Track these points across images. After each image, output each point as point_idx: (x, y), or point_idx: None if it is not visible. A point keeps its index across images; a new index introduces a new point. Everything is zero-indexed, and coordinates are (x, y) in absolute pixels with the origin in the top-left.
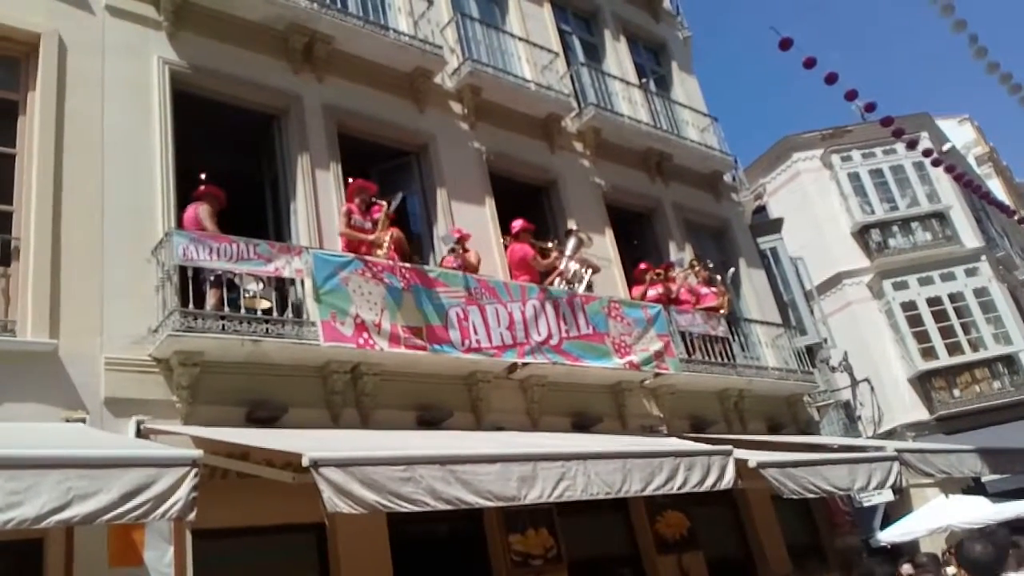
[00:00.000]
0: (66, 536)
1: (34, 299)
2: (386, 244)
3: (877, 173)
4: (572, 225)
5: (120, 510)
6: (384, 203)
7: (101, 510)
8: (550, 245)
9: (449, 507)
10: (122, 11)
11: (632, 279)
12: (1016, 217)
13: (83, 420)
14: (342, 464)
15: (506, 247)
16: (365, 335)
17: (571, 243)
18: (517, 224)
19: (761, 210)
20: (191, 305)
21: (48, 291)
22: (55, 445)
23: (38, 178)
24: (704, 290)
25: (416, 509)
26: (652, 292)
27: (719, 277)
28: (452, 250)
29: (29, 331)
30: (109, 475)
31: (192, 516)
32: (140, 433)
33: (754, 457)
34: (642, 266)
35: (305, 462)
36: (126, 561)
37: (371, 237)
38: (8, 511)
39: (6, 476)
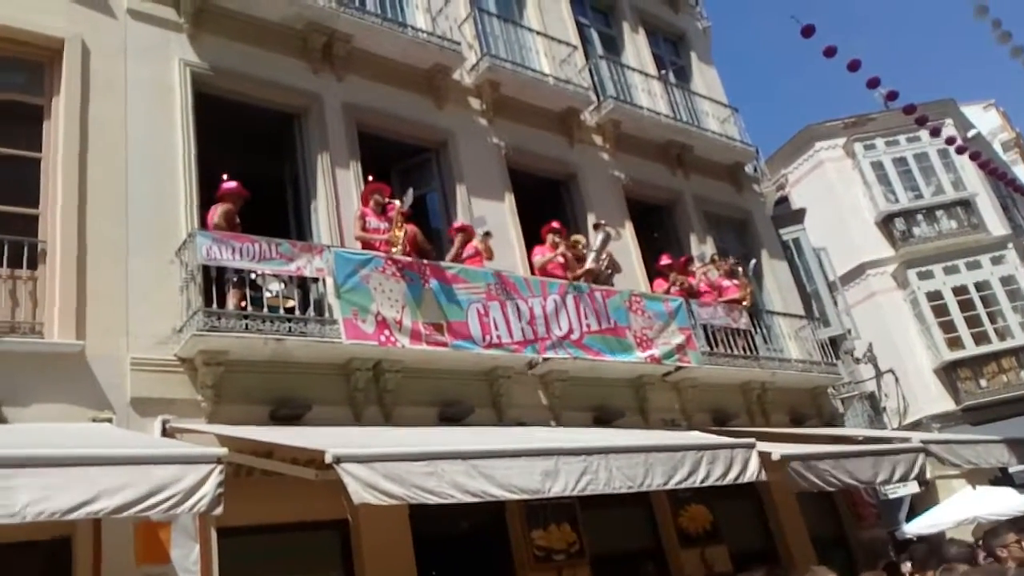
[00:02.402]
0: (94, 535)
1: (61, 301)
2: (400, 241)
3: (901, 161)
4: (593, 219)
5: (147, 503)
6: (398, 202)
7: (129, 503)
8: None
9: (475, 499)
10: (143, 14)
11: (653, 272)
12: None
13: (110, 420)
14: (364, 460)
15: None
16: (387, 332)
17: (599, 238)
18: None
19: (783, 201)
20: (215, 305)
21: (74, 293)
22: (83, 444)
23: (63, 182)
24: (726, 283)
25: (441, 501)
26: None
27: (741, 269)
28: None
29: (56, 333)
30: (136, 472)
31: (218, 512)
32: (166, 432)
33: (777, 450)
34: (664, 259)
35: (328, 459)
36: (153, 559)
37: (385, 236)
38: (39, 504)
39: (36, 474)
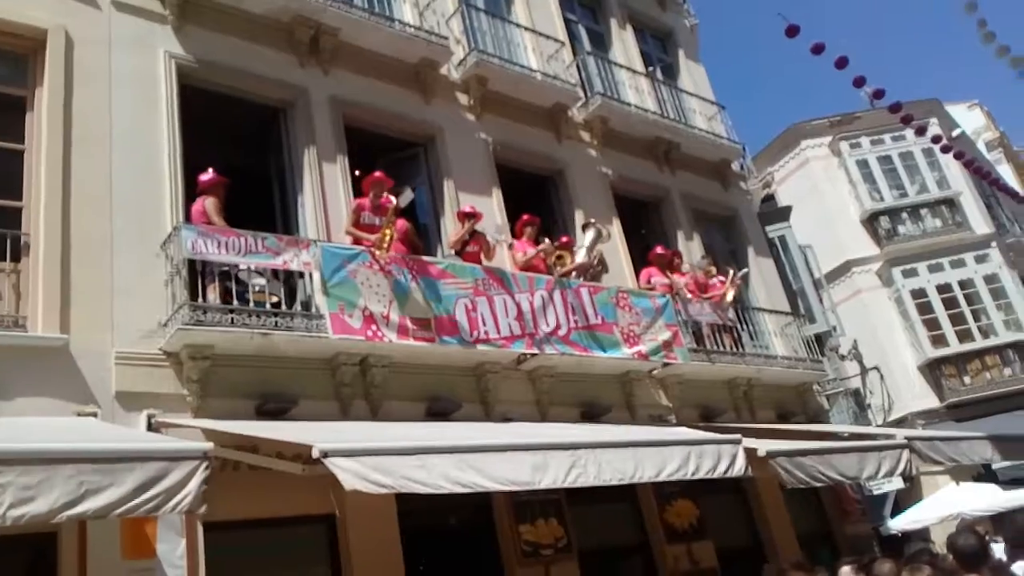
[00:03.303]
0: (79, 529)
1: (44, 295)
2: (385, 244)
3: (886, 160)
4: (581, 215)
5: (131, 504)
6: (393, 198)
7: (113, 504)
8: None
9: (465, 490)
10: (127, 5)
11: (641, 266)
12: None
13: (94, 414)
14: (352, 454)
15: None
16: (374, 327)
17: (589, 235)
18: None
19: (770, 198)
20: (200, 299)
21: (58, 286)
22: (67, 439)
23: (47, 174)
24: (712, 280)
25: (432, 491)
26: (662, 280)
27: (730, 270)
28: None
29: (40, 326)
30: (121, 469)
31: (202, 510)
32: (151, 427)
33: (763, 446)
34: (659, 249)
35: (315, 453)
36: (139, 554)
37: (373, 237)
38: (21, 506)
39: (19, 471)
